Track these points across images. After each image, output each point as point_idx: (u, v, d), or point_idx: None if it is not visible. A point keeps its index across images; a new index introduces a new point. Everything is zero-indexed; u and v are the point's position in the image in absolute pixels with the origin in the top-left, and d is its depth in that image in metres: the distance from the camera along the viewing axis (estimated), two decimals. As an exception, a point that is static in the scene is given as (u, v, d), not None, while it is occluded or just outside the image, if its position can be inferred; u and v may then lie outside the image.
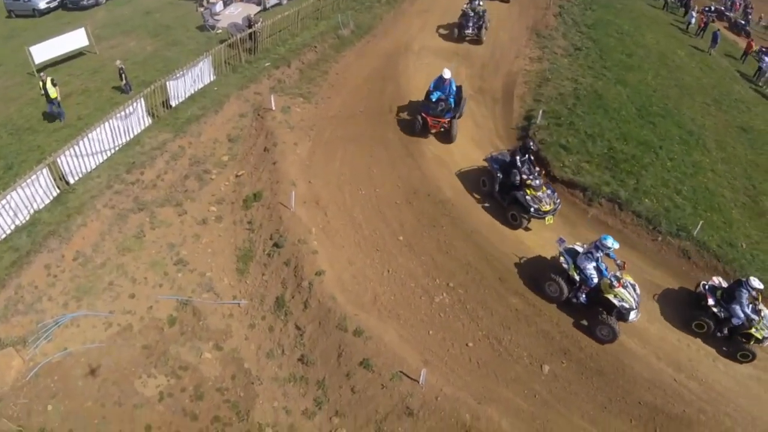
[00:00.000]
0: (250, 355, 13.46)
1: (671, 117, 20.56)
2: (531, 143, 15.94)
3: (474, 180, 17.29)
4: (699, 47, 30.08)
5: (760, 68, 29.56)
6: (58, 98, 18.51)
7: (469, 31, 24.02)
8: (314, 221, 15.52)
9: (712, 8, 37.57)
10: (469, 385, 12.26)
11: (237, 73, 21.13)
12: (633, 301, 13.00)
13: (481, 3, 24.52)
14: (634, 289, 13.27)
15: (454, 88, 18.62)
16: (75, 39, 23.16)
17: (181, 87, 19.14)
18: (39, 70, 21.07)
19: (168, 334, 13.67)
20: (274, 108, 18.92)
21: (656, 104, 21.09)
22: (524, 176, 15.50)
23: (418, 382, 11.83)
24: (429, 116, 18.33)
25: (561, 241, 14.04)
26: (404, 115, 19.91)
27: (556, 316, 13.62)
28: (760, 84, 29.04)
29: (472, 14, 24.05)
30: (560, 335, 13.28)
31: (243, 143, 18.44)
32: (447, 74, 18.29)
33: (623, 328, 13.24)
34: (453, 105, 18.40)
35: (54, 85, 18.15)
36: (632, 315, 13.06)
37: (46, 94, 18.05)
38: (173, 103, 19.07)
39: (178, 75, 18.75)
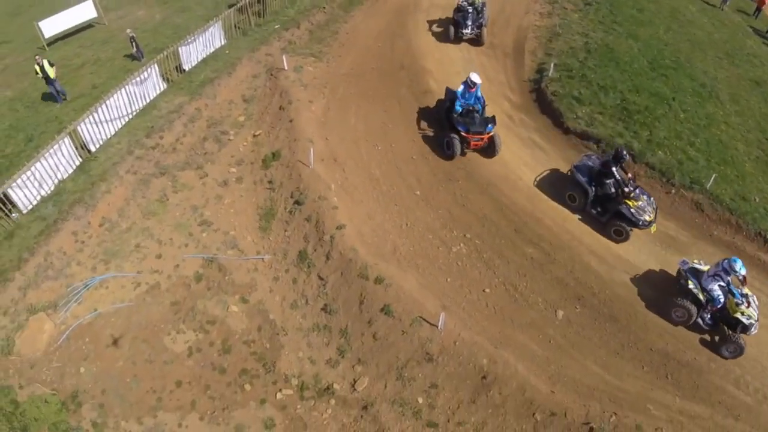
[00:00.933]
0: (274, 307, 13.95)
1: (683, 70, 20.45)
2: (624, 151, 14.62)
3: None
4: (711, 2, 29.52)
5: (775, 23, 29.06)
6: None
7: (468, 30, 20.84)
8: (333, 177, 15.81)
9: None
10: (486, 330, 12.71)
11: (247, 36, 21.17)
12: (756, 314, 12.50)
13: None
14: (755, 302, 12.78)
15: (481, 94, 16.74)
16: (83, 11, 23.12)
17: (193, 52, 19.27)
18: (48, 43, 21.18)
19: (195, 290, 14.15)
20: (286, 68, 19.02)
21: (668, 57, 20.95)
22: (624, 188, 14.39)
23: (437, 327, 12.28)
24: (470, 134, 16.14)
25: (684, 262, 13.37)
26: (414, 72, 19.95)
27: (570, 264, 13.93)
28: (775, 39, 28.57)
29: (470, 10, 20.86)
30: (574, 282, 13.63)
31: (258, 103, 18.63)
32: (476, 78, 16.22)
33: (635, 273, 13.60)
34: (481, 110, 16.65)
35: (51, 65, 18.02)
36: (755, 328, 12.53)
37: (46, 77, 17.86)
38: (186, 68, 19.24)
39: (189, 40, 18.87)
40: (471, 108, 16.48)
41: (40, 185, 14.88)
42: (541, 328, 12.95)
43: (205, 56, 19.84)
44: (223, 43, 20.54)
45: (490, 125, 16.20)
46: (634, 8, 24.24)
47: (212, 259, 14.59)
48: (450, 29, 21.18)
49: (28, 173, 14.37)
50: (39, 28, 21.67)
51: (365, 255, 13.69)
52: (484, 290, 13.53)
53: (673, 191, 15.74)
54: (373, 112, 18.24)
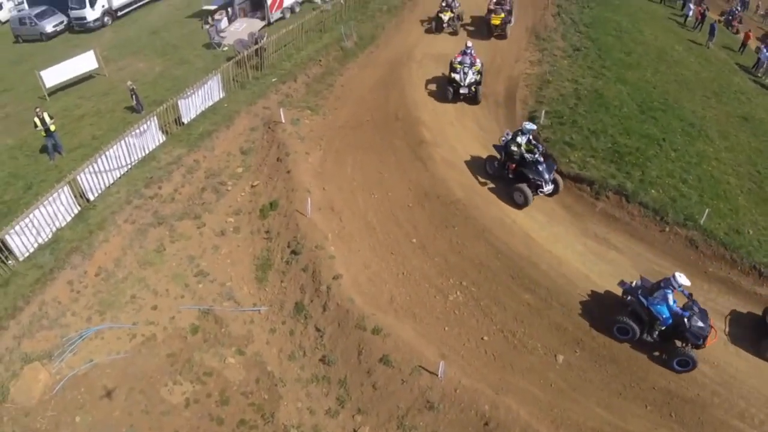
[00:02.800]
0: (272, 359, 13.86)
1: (672, 111, 20.85)
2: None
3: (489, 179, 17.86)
4: (697, 41, 30.30)
5: (759, 59, 29.74)
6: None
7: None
8: (330, 227, 15.98)
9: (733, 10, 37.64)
10: (486, 377, 12.60)
11: (245, 89, 21.69)
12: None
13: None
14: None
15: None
16: (84, 62, 23.75)
17: (192, 105, 19.73)
18: (49, 93, 21.59)
19: (191, 342, 14.10)
20: (283, 121, 19.45)
21: (657, 99, 21.39)
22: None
23: (437, 375, 12.18)
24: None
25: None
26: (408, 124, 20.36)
27: (567, 309, 13.91)
28: (759, 75, 29.21)
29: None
30: (573, 326, 13.58)
31: (256, 155, 18.97)
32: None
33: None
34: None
35: (51, 117, 18.12)
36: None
37: (46, 129, 17.93)
38: (185, 120, 19.65)
39: (188, 93, 19.35)
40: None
41: (38, 233, 15.02)
42: (542, 372, 12.84)
43: (203, 109, 20.27)
44: (221, 96, 21.01)
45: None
46: (622, 51, 24.87)
47: (208, 311, 14.60)
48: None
49: (27, 220, 14.52)
50: (40, 77, 22.24)
51: (362, 305, 13.70)
52: (482, 338, 13.47)
53: (667, 229, 15.81)
54: (368, 163, 18.53)
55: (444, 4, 25.76)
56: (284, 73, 22.67)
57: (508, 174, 17.00)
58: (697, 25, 32.61)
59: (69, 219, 15.84)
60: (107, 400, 12.82)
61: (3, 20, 35.08)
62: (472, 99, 21.08)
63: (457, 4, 25.84)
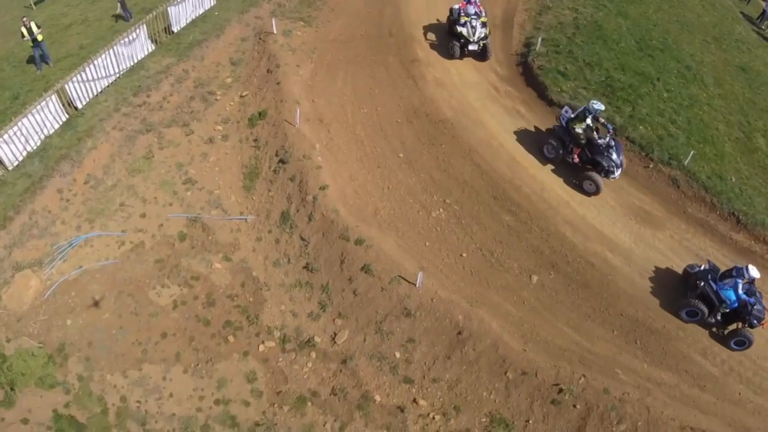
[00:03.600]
0: (257, 265, 14.25)
1: (670, 51, 20.62)
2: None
3: (478, 100, 17.73)
4: (703, -16, 29.63)
5: (764, 11, 29.16)
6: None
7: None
8: (318, 137, 16.01)
9: None
10: (462, 290, 13.12)
11: (237, -3, 21.02)
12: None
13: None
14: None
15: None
16: (72, -32, 22.82)
17: (182, 13, 19.19)
18: (36, 1, 20.90)
19: (179, 249, 14.40)
20: (275, 31, 19.04)
21: (656, 38, 21.09)
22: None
23: (415, 285, 12.65)
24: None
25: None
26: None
27: (546, 233, 14.30)
28: (763, 27, 28.72)
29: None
30: (549, 250, 14.02)
31: (246, 66, 18.68)
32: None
33: (609, 245, 14.07)
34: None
35: (38, 27, 17.55)
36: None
37: (33, 39, 17.38)
38: (175, 29, 19.17)
39: (178, 1, 18.74)
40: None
41: (26, 141, 14.90)
42: (516, 290, 13.36)
43: (194, 17, 19.74)
44: (212, 4, 20.42)
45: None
46: (626, -16, 24.27)
47: (196, 219, 14.83)
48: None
49: (15, 129, 14.36)
50: None
51: (347, 217, 13.97)
52: (461, 254, 13.89)
53: (651, 166, 16.03)
54: (360, 77, 18.36)
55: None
56: (278, -19, 21.91)
57: (572, 159, 15.28)
58: (705, -33, 31.68)
59: (57, 127, 15.70)
60: (97, 303, 13.21)
61: None
62: (482, 55, 18.81)
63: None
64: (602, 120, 15.18)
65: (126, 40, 17.13)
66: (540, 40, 19.16)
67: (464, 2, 18.61)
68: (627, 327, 12.88)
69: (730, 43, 24.13)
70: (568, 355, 12.21)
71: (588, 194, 15.18)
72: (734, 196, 15.48)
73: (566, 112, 15.61)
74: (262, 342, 13.08)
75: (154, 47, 18.47)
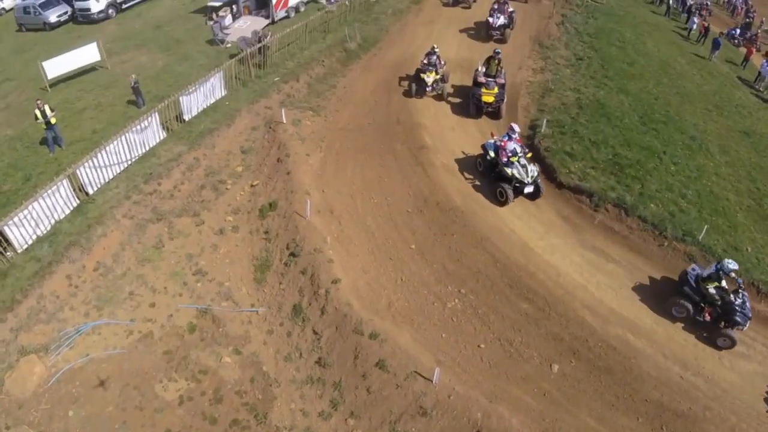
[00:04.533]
0: (268, 359, 13.88)
1: (673, 123, 20.91)
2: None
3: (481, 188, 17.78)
4: (700, 54, 30.43)
5: (759, 73, 29.86)
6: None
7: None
8: (329, 230, 16.01)
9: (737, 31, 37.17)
10: (481, 384, 12.65)
11: (247, 87, 21.66)
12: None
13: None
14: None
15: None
16: (87, 54, 23.61)
17: (193, 102, 19.68)
18: (51, 84, 21.52)
19: (188, 341, 14.11)
20: (284, 121, 19.47)
21: (658, 111, 21.44)
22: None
23: (432, 381, 12.21)
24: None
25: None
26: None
27: (565, 319, 13.95)
28: (761, 89, 29.30)
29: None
30: (569, 336, 13.63)
31: (256, 155, 18.95)
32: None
33: (630, 326, 13.74)
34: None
35: (52, 110, 18.01)
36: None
37: (47, 121, 17.78)
38: (186, 117, 19.60)
39: (190, 90, 19.28)
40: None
41: (37, 225, 14.96)
42: (536, 381, 12.89)
43: (205, 106, 20.23)
44: (223, 94, 20.97)
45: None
46: (625, 62, 24.95)
47: (206, 310, 14.60)
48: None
49: (25, 212, 14.45)
50: (42, 68, 22.09)
51: (360, 310, 13.73)
52: (479, 346, 13.52)
53: (666, 244, 15.83)
54: (369, 166, 18.56)
55: (426, 62, 21.66)
56: (287, 73, 22.64)
57: (703, 318, 14.08)
58: (700, 38, 32.74)
59: (68, 212, 15.79)
60: (101, 394, 12.81)
61: (7, 8, 35.09)
62: (535, 194, 17.58)
63: (442, 63, 21.88)
64: (733, 276, 14.23)
65: (138, 127, 17.48)
66: (545, 121, 19.47)
67: (504, 140, 17.20)
68: (652, 413, 12.34)
69: (731, 109, 24.59)
70: (593, 449, 11.62)
71: (719, 348, 13.95)
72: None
73: (693, 270, 14.44)
74: (271, 442, 12.54)
75: (165, 135, 18.82)
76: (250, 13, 28.16)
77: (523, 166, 16.79)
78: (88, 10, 30.59)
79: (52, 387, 12.68)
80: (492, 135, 18.34)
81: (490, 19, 25.30)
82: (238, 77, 21.79)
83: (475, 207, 17.00)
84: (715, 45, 30.08)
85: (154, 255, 15.56)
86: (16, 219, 14.27)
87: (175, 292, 14.92)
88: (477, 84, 20.48)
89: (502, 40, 25.29)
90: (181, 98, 19.04)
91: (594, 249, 15.88)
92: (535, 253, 15.62)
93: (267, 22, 27.13)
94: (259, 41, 22.82)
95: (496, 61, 20.76)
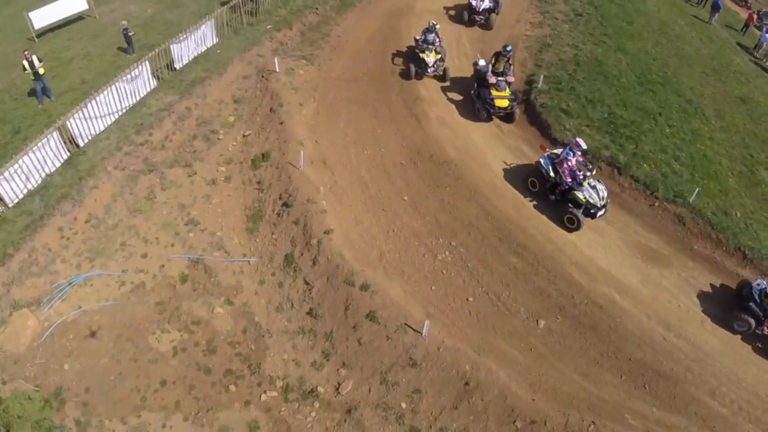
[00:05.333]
0: (260, 310, 14.03)
1: (670, 85, 20.74)
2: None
3: (483, 141, 17.68)
4: (700, 17, 29.99)
5: (759, 41, 29.48)
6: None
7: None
8: (322, 180, 15.94)
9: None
10: (469, 337, 12.90)
11: (239, 35, 21.15)
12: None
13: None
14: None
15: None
16: (74, 3, 22.76)
17: (184, 50, 19.22)
18: (38, 34, 21.00)
19: (180, 291, 14.20)
20: (278, 70, 19.09)
21: (656, 72, 21.23)
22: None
23: (422, 334, 12.44)
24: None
25: (759, 284, 13.71)
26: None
27: (552, 275, 14.12)
28: (759, 56, 29.02)
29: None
30: (556, 292, 13.84)
31: (248, 104, 18.67)
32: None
33: (617, 285, 13.94)
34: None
35: (40, 60, 17.62)
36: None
37: (35, 72, 17.42)
38: (177, 66, 19.19)
39: (181, 38, 18.80)
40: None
41: (27, 178, 14.79)
42: (523, 336, 13.14)
43: (196, 55, 19.80)
44: (214, 42, 20.50)
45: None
46: (624, 20, 24.53)
47: (198, 260, 14.64)
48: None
49: (15, 166, 14.26)
50: (29, 18, 21.38)
51: (352, 261, 13.82)
52: (467, 299, 13.71)
53: (657, 204, 15.96)
54: (362, 117, 18.35)
55: (422, 40, 19.58)
56: (279, 20, 22.06)
57: (762, 332, 13.54)
58: (701, 1, 32.17)
59: (58, 165, 15.60)
60: (95, 347, 12.94)
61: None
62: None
63: (440, 40, 19.90)
64: None
65: (129, 76, 17.10)
66: (542, 77, 19.24)
67: (569, 158, 15.30)
68: (635, 371, 12.67)
69: (729, 75, 24.40)
70: (577, 403, 11.96)
71: None
72: (740, 231, 15.41)
73: (758, 285, 13.83)
74: (265, 391, 12.76)
75: (156, 84, 18.45)
76: (242, -41, 27.15)
77: (593, 187, 14.92)
78: (75, -43, 29.31)
79: (46, 341, 12.76)
80: (543, 148, 16.23)
81: (473, 2, 21.88)
82: (229, 25, 21.24)
83: (468, 161, 16.93)
84: (715, 7, 29.58)
85: (146, 206, 15.48)
86: (6, 174, 14.09)
87: (167, 243, 14.91)
88: (483, 84, 18.03)
89: (486, 26, 22.45)
90: (171, 46, 18.60)
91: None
92: (527, 208, 15.70)
93: (259, -31, 26.22)
94: (252, -12, 22.17)
95: (506, 59, 17.99)
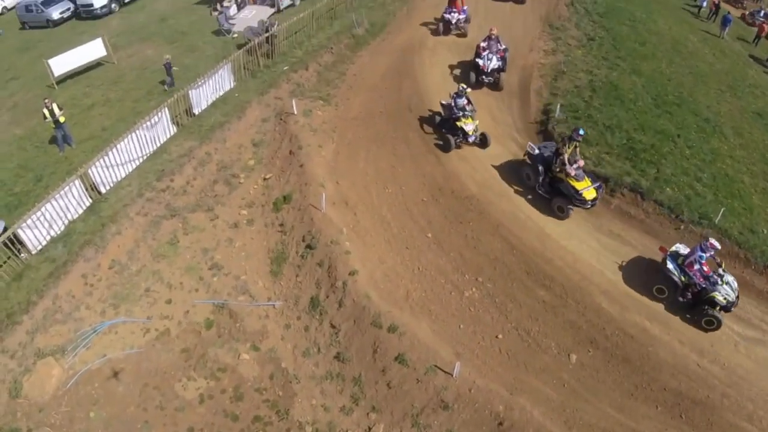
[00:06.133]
0: (287, 355, 13.94)
1: (687, 105, 20.62)
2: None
3: (503, 173, 17.61)
4: (711, 32, 29.92)
5: (772, 52, 29.36)
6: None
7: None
8: (344, 221, 15.94)
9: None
10: (501, 376, 12.69)
11: (256, 78, 21.45)
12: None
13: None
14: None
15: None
16: (92, 49, 23.47)
17: (202, 95, 19.51)
18: (58, 81, 21.57)
19: (206, 337, 14.18)
20: (295, 112, 19.28)
21: (671, 93, 21.14)
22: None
23: (452, 375, 12.26)
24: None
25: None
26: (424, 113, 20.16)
27: (582, 306, 13.88)
28: (773, 67, 28.82)
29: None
30: (587, 325, 13.59)
31: (268, 147, 18.84)
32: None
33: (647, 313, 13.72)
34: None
35: (60, 108, 17.93)
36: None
37: (56, 120, 17.69)
38: (196, 111, 19.47)
39: (199, 83, 19.12)
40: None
41: (50, 225, 14.98)
42: (555, 372, 12.90)
43: (214, 99, 20.08)
44: (232, 85, 20.80)
45: None
46: (637, 41, 24.53)
47: (223, 305, 14.63)
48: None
49: (38, 213, 14.47)
50: (48, 65, 21.96)
51: (378, 302, 13.73)
52: (497, 336, 13.52)
53: (682, 227, 15.73)
54: (382, 156, 18.41)
55: (452, 106, 18.27)
56: (295, 61, 22.38)
57: None
58: (711, 15, 32.16)
59: (81, 212, 15.78)
60: (121, 395, 12.89)
61: (9, 7, 34.87)
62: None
63: (501, 47, 20.96)
64: None
65: (148, 123, 17.38)
66: (558, 106, 19.22)
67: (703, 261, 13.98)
68: (671, 401, 12.37)
69: (744, 90, 24.25)
70: (614, 438, 11.62)
71: None
72: (767, 249, 15.11)
73: None
74: (294, 438, 12.63)
75: (176, 130, 18.71)
76: (254, 2, 27.80)
77: (727, 282, 13.61)
78: (91, 5, 30.32)
79: (70, 389, 12.74)
80: (663, 250, 14.55)
81: (480, 62, 20.48)
82: (246, 68, 21.57)
83: (489, 195, 16.84)
84: (725, 22, 29.55)
85: (169, 251, 15.56)
86: (29, 221, 14.28)
87: (191, 288, 14.94)
88: (551, 173, 16.20)
89: (495, 87, 21.03)
90: (190, 92, 18.89)
91: (610, 233, 15.78)
92: (552, 239, 15.50)
93: (273, 10, 26.75)
94: (266, 30, 22.57)
95: (574, 145, 16.00)
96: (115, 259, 14.98)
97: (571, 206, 15.80)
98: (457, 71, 22.04)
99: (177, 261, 15.41)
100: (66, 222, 15.40)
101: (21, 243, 14.40)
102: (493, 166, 17.79)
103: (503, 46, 20.94)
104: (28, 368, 12.78)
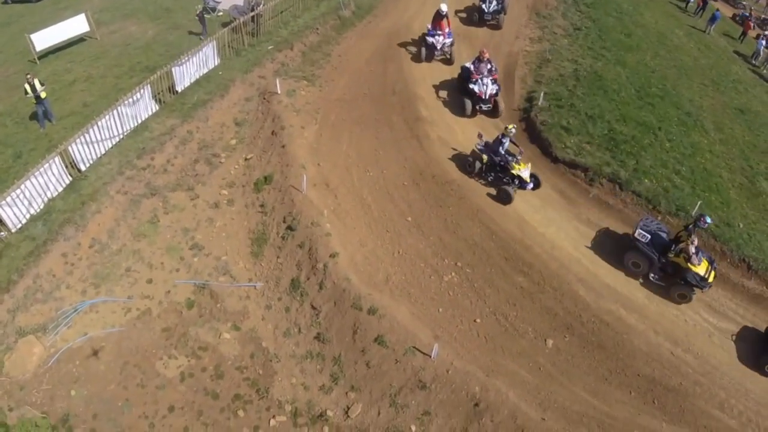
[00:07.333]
0: (267, 335, 13.99)
1: (670, 98, 20.87)
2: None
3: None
4: (697, 27, 30.21)
5: (757, 49, 29.69)
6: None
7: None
8: (325, 203, 15.95)
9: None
10: (478, 359, 12.89)
11: (240, 56, 21.22)
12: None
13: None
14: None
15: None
16: (75, 25, 22.91)
17: (186, 72, 19.25)
18: (39, 56, 21.15)
19: (187, 317, 14.16)
20: (279, 92, 19.14)
21: (655, 85, 21.38)
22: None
23: (430, 357, 12.43)
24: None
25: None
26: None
27: (559, 293, 14.12)
28: (757, 64, 29.21)
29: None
30: (563, 311, 13.83)
31: (250, 127, 18.71)
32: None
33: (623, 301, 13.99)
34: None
35: (42, 84, 17.62)
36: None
37: (37, 96, 17.42)
38: (179, 89, 19.22)
39: (183, 60, 18.84)
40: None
41: (30, 203, 14.76)
42: (532, 356, 13.15)
43: (198, 77, 19.83)
44: (216, 63, 20.55)
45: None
46: (623, 33, 24.72)
47: (204, 286, 14.60)
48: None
49: (18, 191, 14.25)
50: (30, 40, 21.46)
51: (358, 284, 13.81)
52: (475, 320, 13.71)
53: (659, 218, 15.98)
54: (364, 138, 18.37)
55: (498, 150, 16.60)
56: (280, 41, 22.15)
57: None
58: (698, 11, 32.42)
59: (60, 189, 15.57)
60: (102, 373, 12.88)
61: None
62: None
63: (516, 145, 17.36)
64: None
65: (130, 100, 17.12)
66: (542, 94, 19.34)
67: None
68: (644, 387, 12.70)
69: (727, 85, 24.58)
70: (587, 421, 11.94)
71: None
72: (743, 242, 15.51)
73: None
74: (273, 416, 12.71)
75: (158, 107, 18.46)
76: (241, -20, 27.33)
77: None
78: (74, -21, 29.50)
79: (52, 367, 12.71)
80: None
81: (475, 88, 18.77)
82: (231, 46, 21.31)
83: (470, 180, 16.95)
84: (713, 18, 29.84)
85: (150, 230, 15.46)
86: (8, 198, 14.05)
87: (172, 268, 14.89)
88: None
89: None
90: (173, 69, 18.62)
91: (589, 222, 16.04)
92: (531, 226, 15.69)
93: (258, -11, 26.40)
94: (252, 9, 22.28)
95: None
96: (96, 238, 14.87)
97: (694, 292, 14.36)
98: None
99: (157, 240, 15.32)
100: (46, 200, 15.19)
101: (0, 221, 14.20)
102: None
103: (494, 66, 19.30)
104: (9, 346, 12.73)
